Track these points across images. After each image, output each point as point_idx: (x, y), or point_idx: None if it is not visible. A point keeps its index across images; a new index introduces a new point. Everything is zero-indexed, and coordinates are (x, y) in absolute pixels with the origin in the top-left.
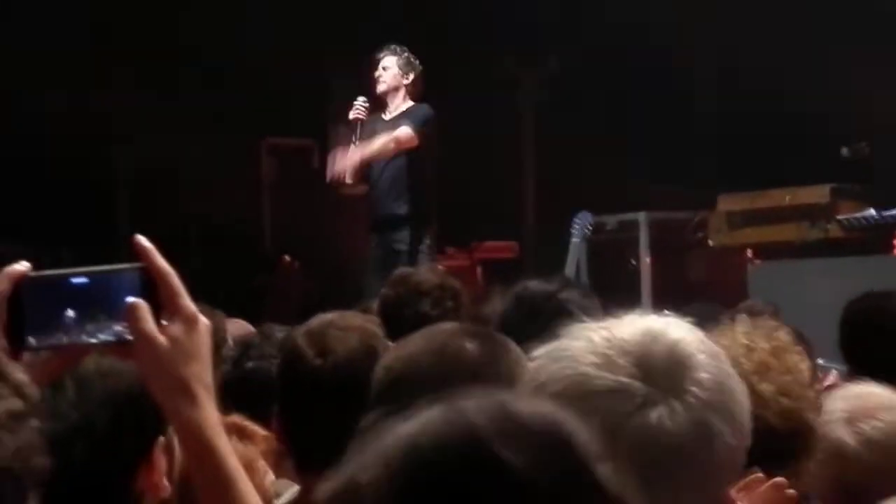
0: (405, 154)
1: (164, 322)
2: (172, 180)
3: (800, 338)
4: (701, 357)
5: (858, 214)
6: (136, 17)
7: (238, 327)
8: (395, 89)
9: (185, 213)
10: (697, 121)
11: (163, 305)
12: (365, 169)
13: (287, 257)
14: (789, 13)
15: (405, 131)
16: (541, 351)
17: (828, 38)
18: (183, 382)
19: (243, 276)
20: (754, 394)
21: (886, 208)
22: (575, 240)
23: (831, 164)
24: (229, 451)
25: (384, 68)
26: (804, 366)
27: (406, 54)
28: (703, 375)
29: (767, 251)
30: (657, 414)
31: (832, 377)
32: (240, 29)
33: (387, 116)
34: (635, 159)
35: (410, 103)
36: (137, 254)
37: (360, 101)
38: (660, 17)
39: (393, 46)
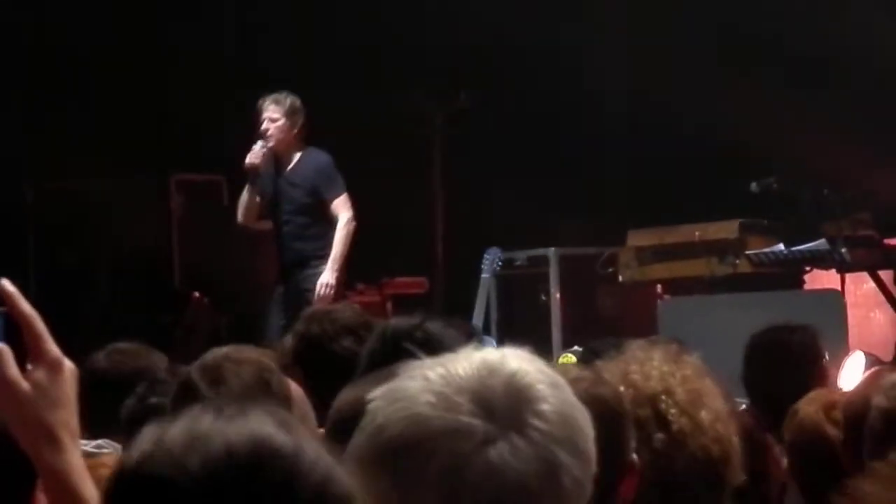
0: (312, 195)
1: (28, 367)
2: (81, 215)
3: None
4: (541, 387)
5: (767, 250)
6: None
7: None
8: (286, 142)
9: (94, 249)
10: (607, 156)
11: (27, 351)
12: (264, 214)
13: (197, 294)
14: (700, 49)
15: (343, 205)
16: (377, 392)
17: (739, 74)
18: (47, 428)
19: (153, 313)
20: (695, 423)
21: (795, 244)
22: (485, 275)
23: (741, 199)
24: (93, 495)
25: (271, 120)
26: (717, 388)
27: (290, 100)
28: (545, 407)
29: (677, 286)
30: (499, 451)
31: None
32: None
33: (286, 170)
34: (545, 195)
35: (302, 150)
36: (1, 298)
37: (258, 147)
38: (569, 53)
39: (275, 95)
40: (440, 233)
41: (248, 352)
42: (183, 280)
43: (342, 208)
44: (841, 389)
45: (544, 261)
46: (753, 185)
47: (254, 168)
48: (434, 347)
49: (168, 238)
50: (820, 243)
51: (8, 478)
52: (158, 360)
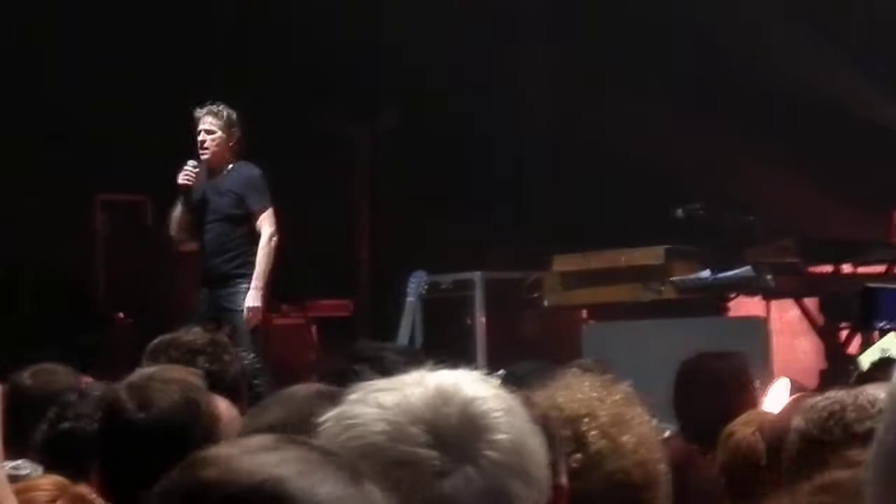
0: (238, 205)
1: None
2: (3, 234)
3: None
4: (496, 415)
5: (692, 276)
6: None
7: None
8: (221, 154)
9: (18, 267)
10: (534, 181)
11: None
12: (194, 226)
13: (121, 315)
14: (628, 73)
15: (268, 219)
16: (330, 415)
17: (667, 100)
18: None
19: (75, 333)
20: (615, 446)
21: (720, 270)
22: (410, 299)
23: (666, 225)
24: None
25: (207, 132)
26: (647, 416)
27: (227, 112)
28: (499, 437)
29: (602, 311)
30: (452, 483)
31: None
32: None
33: (214, 176)
34: (471, 218)
35: (234, 162)
36: None
37: (190, 166)
38: (499, 75)
39: (211, 107)
40: (365, 255)
41: (175, 371)
42: (106, 300)
43: (266, 223)
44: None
45: (470, 285)
46: (679, 211)
47: (186, 188)
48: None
49: (91, 257)
50: (745, 270)
51: None
52: (78, 380)
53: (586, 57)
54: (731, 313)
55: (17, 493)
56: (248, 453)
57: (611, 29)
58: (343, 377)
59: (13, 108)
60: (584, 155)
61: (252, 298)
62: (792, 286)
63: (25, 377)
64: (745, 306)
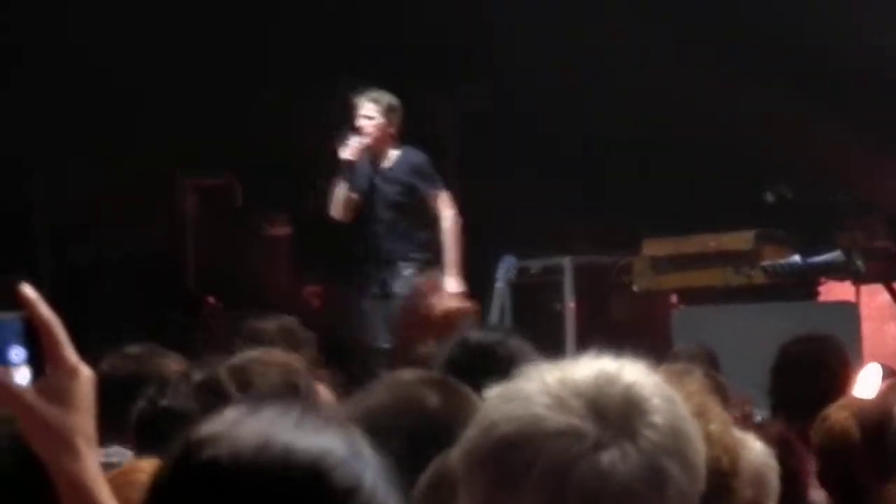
0: (409, 193)
1: (47, 372)
2: (92, 215)
3: (716, 383)
4: (656, 401)
5: (782, 261)
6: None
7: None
8: (382, 140)
9: (107, 250)
10: (623, 164)
11: (45, 356)
12: (359, 207)
13: (211, 298)
14: (716, 53)
15: (446, 202)
16: (494, 391)
17: (755, 80)
18: (62, 435)
19: (167, 313)
20: (704, 435)
21: (810, 254)
22: (499, 284)
23: (757, 208)
24: (110, 501)
25: (367, 117)
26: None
27: (386, 98)
28: (658, 419)
29: (691, 296)
30: (609, 457)
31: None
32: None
33: (382, 165)
34: (560, 202)
35: (398, 148)
36: (21, 303)
37: (354, 142)
38: (588, 56)
39: (371, 94)
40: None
41: (276, 355)
42: (196, 284)
43: (445, 205)
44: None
45: (559, 269)
46: (768, 195)
47: (349, 163)
48: (514, 364)
49: (181, 240)
50: (836, 255)
51: (25, 486)
52: (171, 363)
53: (676, 37)
54: (822, 298)
55: (117, 476)
56: (241, 420)
57: (701, 8)
58: (459, 366)
59: (103, 92)
60: (675, 137)
61: (453, 285)
62: (882, 270)
63: (110, 361)
64: (835, 291)
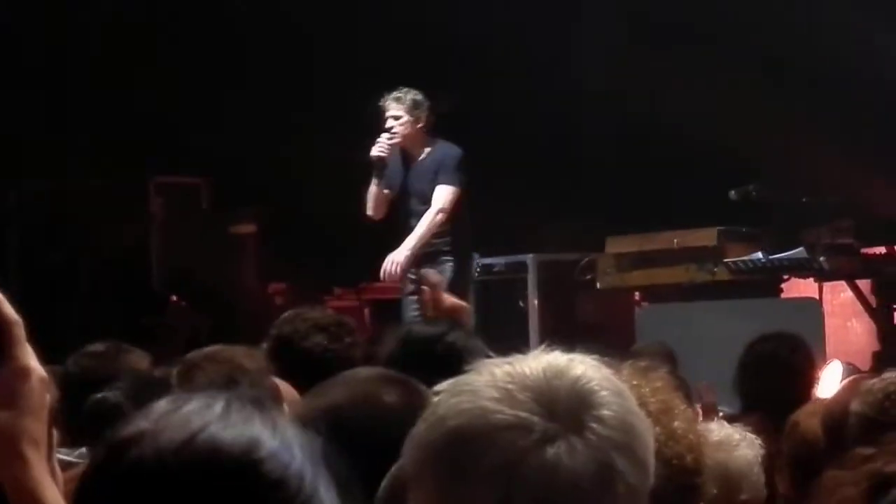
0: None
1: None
2: (62, 216)
3: (678, 380)
4: (605, 394)
5: (745, 258)
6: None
7: None
8: (412, 137)
9: (76, 250)
10: (587, 162)
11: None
12: (391, 204)
13: (175, 298)
14: (681, 53)
15: (443, 195)
16: (444, 385)
17: (720, 79)
18: (5, 438)
19: (134, 314)
20: (669, 432)
21: (774, 252)
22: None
23: (720, 207)
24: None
25: (394, 118)
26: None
27: (410, 96)
28: (606, 413)
29: (655, 293)
30: (555, 450)
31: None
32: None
33: (413, 162)
34: (524, 200)
35: (431, 144)
36: None
37: (385, 139)
38: (550, 56)
39: (395, 94)
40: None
41: (233, 352)
42: (161, 282)
43: (443, 197)
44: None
45: (523, 267)
46: (732, 193)
47: (380, 160)
48: (455, 358)
49: (147, 240)
50: (798, 251)
51: None
52: (137, 359)
53: (640, 35)
54: (785, 295)
55: (72, 480)
56: (165, 416)
57: (668, 8)
58: (395, 362)
59: (68, 91)
60: (639, 136)
61: (399, 253)
62: (845, 268)
63: (75, 361)
64: (799, 288)
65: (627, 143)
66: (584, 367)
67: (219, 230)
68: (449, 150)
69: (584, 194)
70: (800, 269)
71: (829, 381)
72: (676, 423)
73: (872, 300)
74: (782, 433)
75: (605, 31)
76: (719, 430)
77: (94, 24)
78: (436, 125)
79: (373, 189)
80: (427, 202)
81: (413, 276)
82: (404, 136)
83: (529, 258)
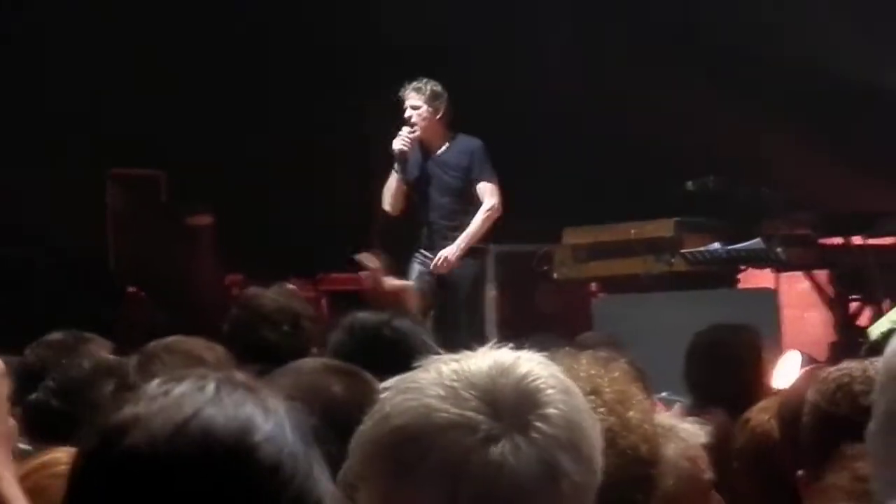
0: (464, 178)
1: None
2: (16, 209)
3: (636, 371)
4: (550, 392)
5: (703, 248)
6: None
7: None
8: (431, 129)
9: (31, 243)
10: (545, 154)
11: None
12: (414, 192)
13: (133, 289)
14: (639, 46)
15: (491, 191)
16: (391, 382)
17: (677, 72)
18: None
19: (93, 307)
20: (623, 422)
21: (731, 242)
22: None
23: (678, 198)
24: (17, 496)
25: (413, 108)
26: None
27: (430, 86)
28: (552, 411)
29: (612, 284)
30: (500, 450)
31: (676, 410)
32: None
33: (435, 154)
34: None
35: (452, 134)
36: None
37: (406, 132)
38: (506, 50)
39: (415, 84)
40: (377, 228)
41: (191, 343)
42: (118, 274)
43: (490, 193)
44: (777, 389)
45: (481, 256)
46: (689, 184)
47: (403, 153)
48: (402, 345)
49: (104, 233)
50: (755, 242)
51: None
52: (98, 348)
53: (596, 28)
54: (742, 286)
55: (35, 470)
56: (155, 401)
57: (624, 2)
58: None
59: (25, 82)
60: (598, 128)
61: (451, 249)
62: (803, 258)
63: (31, 352)
64: (756, 279)
65: (586, 133)
66: (530, 364)
67: (176, 222)
68: (474, 143)
69: (541, 185)
70: (757, 259)
71: (787, 371)
72: (632, 413)
73: (829, 291)
74: (733, 424)
75: (562, 24)
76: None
77: (53, 14)
78: (456, 117)
79: (393, 183)
80: (452, 195)
81: (354, 259)
82: (423, 128)
83: (488, 248)
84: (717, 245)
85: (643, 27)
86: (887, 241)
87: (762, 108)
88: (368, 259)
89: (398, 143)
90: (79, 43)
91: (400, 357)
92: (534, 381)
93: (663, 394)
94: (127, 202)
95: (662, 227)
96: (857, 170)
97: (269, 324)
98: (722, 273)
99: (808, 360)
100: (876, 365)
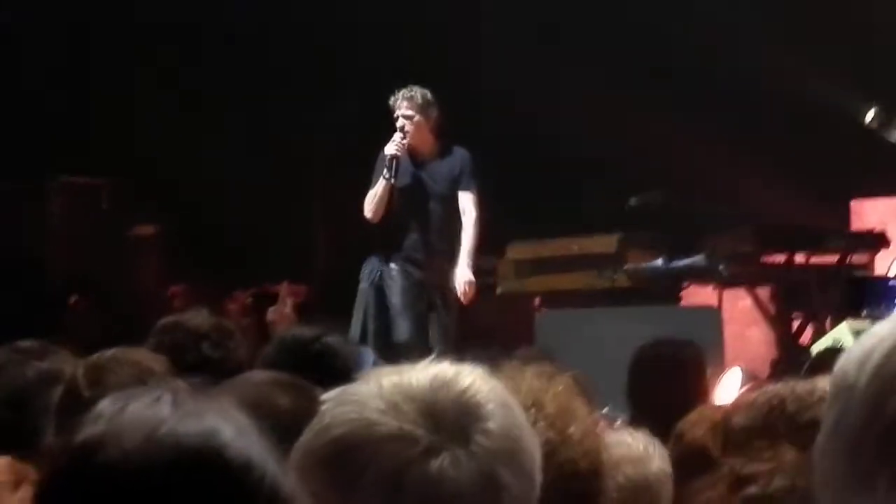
0: (453, 187)
1: None
2: None
3: (581, 386)
4: (491, 406)
5: (646, 264)
6: None
7: None
8: (422, 137)
9: None
10: (488, 168)
11: None
12: (401, 200)
13: (76, 297)
14: (583, 61)
15: (474, 202)
16: (331, 394)
17: (621, 87)
18: None
19: (31, 315)
20: (563, 437)
21: (674, 258)
22: (364, 285)
23: (622, 213)
24: None
25: (405, 117)
26: (588, 408)
27: (420, 94)
28: (492, 425)
29: (555, 299)
30: (440, 462)
31: (620, 425)
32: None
33: (424, 161)
34: None
35: (441, 143)
36: None
37: (398, 139)
38: (455, 64)
39: (406, 91)
40: (321, 241)
41: (137, 354)
42: (60, 283)
43: (473, 205)
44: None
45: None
46: (633, 200)
47: (396, 159)
48: (330, 361)
49: (46, 241)
50: (698, 258)
51: None
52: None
53: (542, 45)
54: (685, 302)
55: None
56: (119, 415)
57: (567, 18)
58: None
59: None
60: (540, 142)
61: (467, 273)
62: (745, 275)
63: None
64: (699, 295)
65: (528, 148)
66: (471, 378)
67: (119, 232)
68: (464, 153)
69: (485, 199)
70: (700, 275)
71: (728, 388)
72: (572, 429)
73: (772, 308)
74: (668, 440)
75: (505, 43)
76: (632, 443)
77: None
78: (442, 125)
79: (380, 190)
80: (444, 203)
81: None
82: (414, 136)
83: None
84: (659, 261)
85: (582, 45)
86: (829, 258)
87: (706, 124)
88: (286, 294)
89: (392, 149)
90: (20, 47)
91: (328, 373)
92: (474, 394)
93: (605, 409)
94: (70, 210)
95: (605, 243)
96: (800, 187)
97: (206, 341)
98: (665, 289)
99: (750, 376)
100: (807, 384)
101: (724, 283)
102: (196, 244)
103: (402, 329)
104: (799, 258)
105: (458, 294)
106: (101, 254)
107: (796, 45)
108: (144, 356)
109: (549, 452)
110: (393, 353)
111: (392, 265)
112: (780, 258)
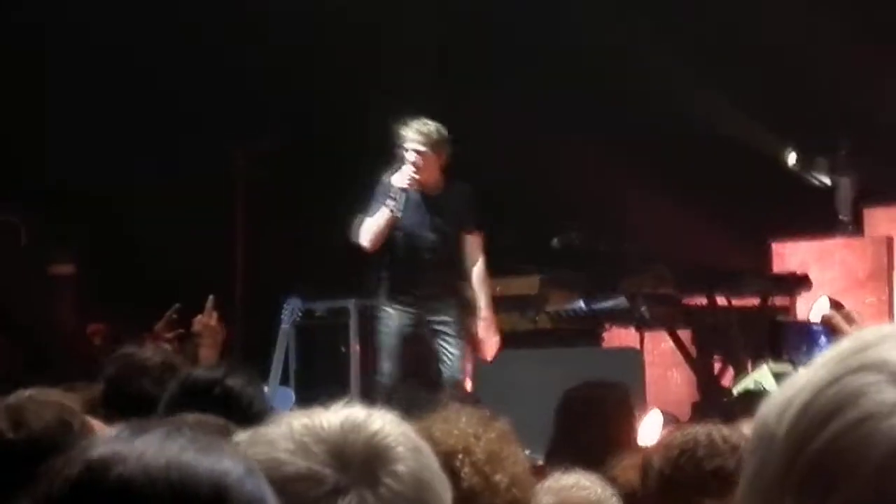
0: (458, 225)
1: None
2: None
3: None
4: (401, 450)
5: (567, 306)
6: None
7: None
8: (431, 172)
9: None
10: None
11: None
12: (405, 235)
13: None
14: (502, 100)
15: (481, 253)
16: (243, 435)
17: (547, 127)
18: None
19: None
20: (488, 484)
21: (595, 300)
22: (284, 325)
23: (543, 253)
24: None
25: (416, 152)
26: (523, 455)
27: (434, 130)
28: (401, 468)
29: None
30: (346, 502)
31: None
32: None
33: (432, 194)
34: (346, 245)
35: (446, 179)
36: None
37: (409, 171)
38: (375, 102)
39: (417, 125)
40: (239, 280)
41: (52, 394)
42: None
43: (480, 249)
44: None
45: (344, 312)
46: (554, 241)
47: (405, 192)
48: (232, 403)
49: None
50: (620, 301)
51: None
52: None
53: (468, 82)
54: (606, 344)
55: None
56: (134, 441)
57: (495, 56)
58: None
59: None
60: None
61: (491, 330)
62: (666, 317)
63: None
64: (620, 337)
65: None
66: (382, 422)
67: (37, 269)
68: (467, 189)
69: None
70: (621, 318)
71: (648, 430)
72: (499, 476)
73: (692, 350)
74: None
75: (419, 69)
76: (590, 487)
77: None
78: (452, 161)
79: (382, 221)
80: (446, 237)
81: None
82: (423, 171)
83: (351, 303)
84: (580, 303)
85: (505, 81)
86: (751, 300)
87: (628, 165)
88: (212, 306)
89: (401, 181)
90: None
91: (231, 416)
92: (384, 438)
93: (526, 452)
94: None
95: (527, 284)
96: (719, 228)
97: (149, 378)
98: (586, 331)
99: (670, 419)
100: (722, 431)
101: (646, 325)
102: (115, 281)
103: (386, 371)
104: (720, 300)
105: (484, 351)
106: (17, 291)
107: (715, 86)
108: (60, 395)
109: (470, 499)
110: (313, 393)
111: (388, 307)
112: (701, 300)
